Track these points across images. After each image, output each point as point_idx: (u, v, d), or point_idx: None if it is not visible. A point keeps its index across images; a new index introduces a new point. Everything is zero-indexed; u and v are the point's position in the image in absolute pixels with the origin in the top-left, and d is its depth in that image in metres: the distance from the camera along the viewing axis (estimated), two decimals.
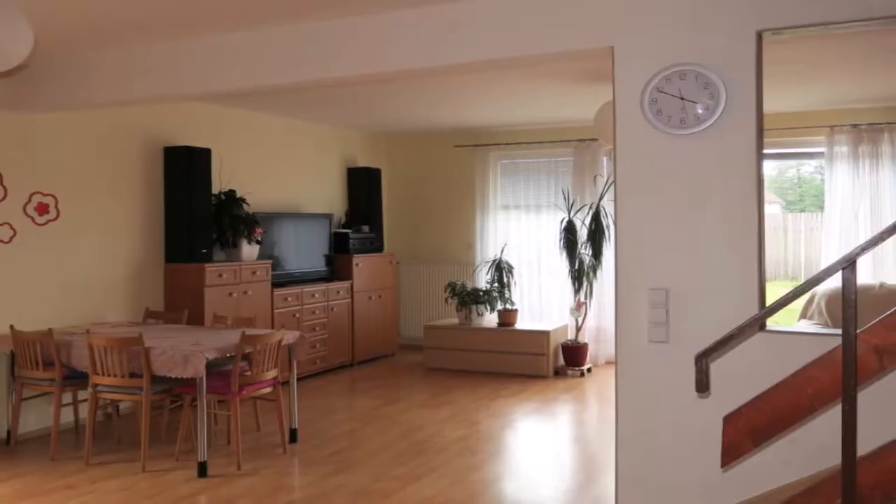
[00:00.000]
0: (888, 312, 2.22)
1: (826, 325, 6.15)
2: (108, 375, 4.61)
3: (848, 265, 2.19)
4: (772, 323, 3.13)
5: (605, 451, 4.95)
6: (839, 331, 2.22)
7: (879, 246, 2.83)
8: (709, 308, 3.10)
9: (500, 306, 7.80)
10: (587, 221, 7.52)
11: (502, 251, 8.14)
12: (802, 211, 11.48)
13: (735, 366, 2.97)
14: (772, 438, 2.48)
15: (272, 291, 6.91)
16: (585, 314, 7.61)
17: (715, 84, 3.03)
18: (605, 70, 3.47)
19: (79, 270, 5.76)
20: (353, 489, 4.33)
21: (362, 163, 8.87)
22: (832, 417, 2.33)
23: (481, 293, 7.79)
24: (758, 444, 2.44)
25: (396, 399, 6.59)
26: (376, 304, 8.30)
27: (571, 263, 7.52)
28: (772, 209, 11.14)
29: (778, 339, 3.03)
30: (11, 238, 5.32)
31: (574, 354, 7.56)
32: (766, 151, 3.15)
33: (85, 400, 5.11)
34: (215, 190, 6.61)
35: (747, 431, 2.42)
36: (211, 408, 5.10)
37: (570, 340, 7.67)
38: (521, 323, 7.85)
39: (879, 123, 7.03)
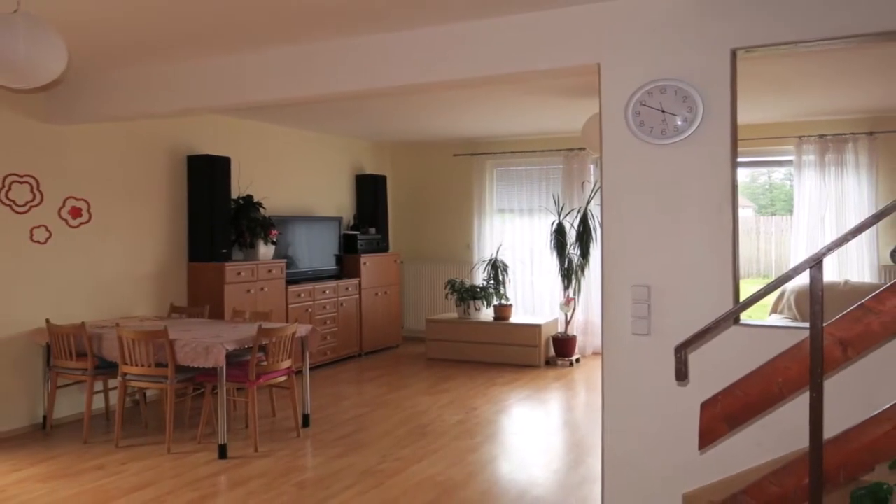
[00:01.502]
0: (851, 308, 2.22)
1: (795, 320, 6.14)
2: (136, 365, 4.61)
3: (815, 264, 2.19)
4: (745, 317, 3.13)
5: (592, 434, 4.95)
6: (808, 324, 2.22)
7: (844, 247, 2.83)
8: (687, 303, 3.09)
9: (495, 302, 7.79)
10: (576, 224, 7.51)
11: (498, 251, 8.13)
12: (773, 214, 11.48)
13: (712, 356, 2.97)
14: (745, 423, 2.48)
15: (286, 288, 6.90)
16: (574, 309, 7.60)
17: (693, 97, 3.03)
18: (592, 85, 3.46)
19: (109, 269, 5.75)
20: (360, 469, 4.33)
21: (369, 170, 8.86)
22: (800, 404, 2.33)
23: (478, 290, 7.78)
24: (732, 428, 2.44)
25: (400, 386, 6.59)
26: (382, 300, 8.29)
27: (561, 262, 7.51)
28: (745, 213, 11.14)
29: (751, 332, 3.03)
30: (47, 239, 5.31)
31: (564, 346, 7.54)
32: (739, 159, 3.15)
33: (115, 388, 5.12)
34: (234, 195, 6.60)
35: (722, 417, 2.41)
36: (230, 395, 5.09)
37: (560, 333, 7.66)
38: (515, 317, 7.84)
39: (844, 134, 7.03)
